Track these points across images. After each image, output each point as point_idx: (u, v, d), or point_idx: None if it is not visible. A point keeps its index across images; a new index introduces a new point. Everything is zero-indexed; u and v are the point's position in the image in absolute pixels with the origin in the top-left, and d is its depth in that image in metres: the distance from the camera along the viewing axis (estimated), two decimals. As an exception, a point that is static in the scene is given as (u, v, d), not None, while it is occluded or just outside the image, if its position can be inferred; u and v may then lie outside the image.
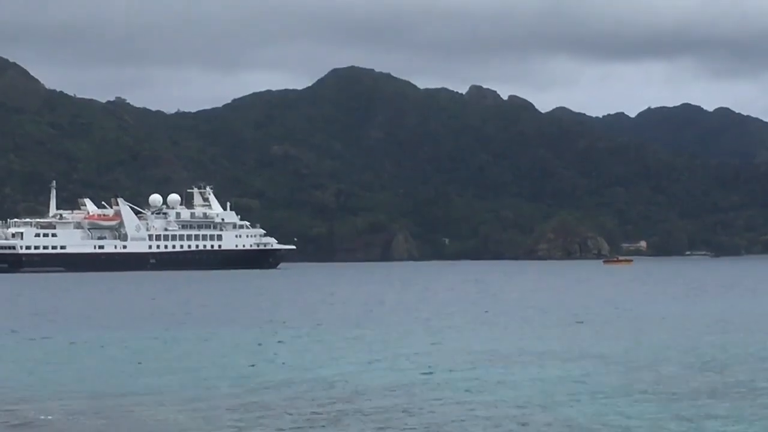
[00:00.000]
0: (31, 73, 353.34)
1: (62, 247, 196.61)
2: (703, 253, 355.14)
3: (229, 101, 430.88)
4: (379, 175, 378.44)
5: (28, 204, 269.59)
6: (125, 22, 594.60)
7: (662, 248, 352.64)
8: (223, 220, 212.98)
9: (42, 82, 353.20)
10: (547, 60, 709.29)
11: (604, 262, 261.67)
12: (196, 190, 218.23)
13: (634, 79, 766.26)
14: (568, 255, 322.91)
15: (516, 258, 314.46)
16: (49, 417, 29.67)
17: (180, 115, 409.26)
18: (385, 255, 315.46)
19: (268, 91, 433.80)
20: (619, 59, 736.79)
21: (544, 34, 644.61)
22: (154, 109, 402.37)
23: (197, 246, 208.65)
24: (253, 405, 31.23)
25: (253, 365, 40.76)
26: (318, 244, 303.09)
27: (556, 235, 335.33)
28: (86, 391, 34.52)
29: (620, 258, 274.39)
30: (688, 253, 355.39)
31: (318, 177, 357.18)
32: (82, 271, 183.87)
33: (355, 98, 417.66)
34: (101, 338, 53.39)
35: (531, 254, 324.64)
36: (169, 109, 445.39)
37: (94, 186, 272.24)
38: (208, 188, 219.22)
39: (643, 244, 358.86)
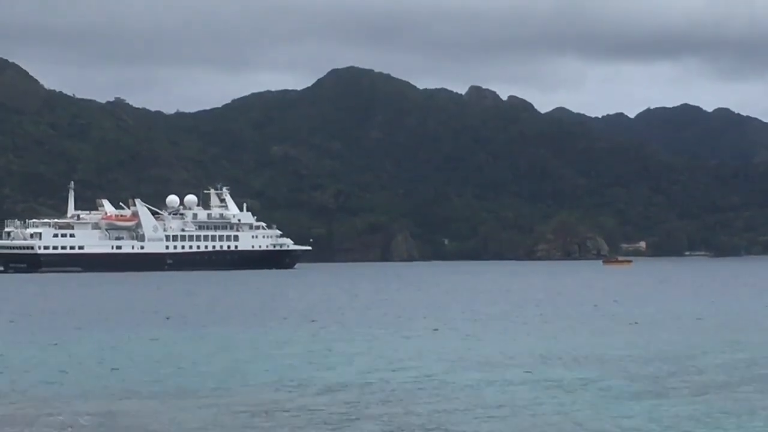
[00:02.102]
0: (31, 74, 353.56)
1: (80, 248, 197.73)
2: (703, 253, 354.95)
3: (229, 101, 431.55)
4: (378, 176, 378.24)
5: (27, 204, 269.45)
6: (124, 23, 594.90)
7: (662, 249, 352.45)
8: (239, 220, 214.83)
9: (41, 82, 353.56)
10: (551, 61, 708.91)
11: (604, 262, 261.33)
12: (212, 191, 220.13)
13: (640, 80, 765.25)
14: (567, 255, 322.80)
15: (516, 258, 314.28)
16: (79, 419, 29.67)
17: (179, 116, 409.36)
18: (385, 255, 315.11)
19: (268, 92, 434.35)
20: (625, 60, 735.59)
21: (547, 35, 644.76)
22: (153, 109, 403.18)
23: (214, 246, 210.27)
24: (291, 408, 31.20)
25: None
26: (317, 245, 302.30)
27: (556, 236, 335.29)
28: (106, 392, 34.56)
29: (620, 258, 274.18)
30: (687, 253, 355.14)
31: (317, 177, 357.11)
32: (99, 272, 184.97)
33: (354, 99, 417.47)
34: (131, 337, 53.60)
35: (530, 255, 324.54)
36: (169, 109, 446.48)
37: (93, 186, 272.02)
38: (224, 189, 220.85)
39: (642, 244, 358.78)
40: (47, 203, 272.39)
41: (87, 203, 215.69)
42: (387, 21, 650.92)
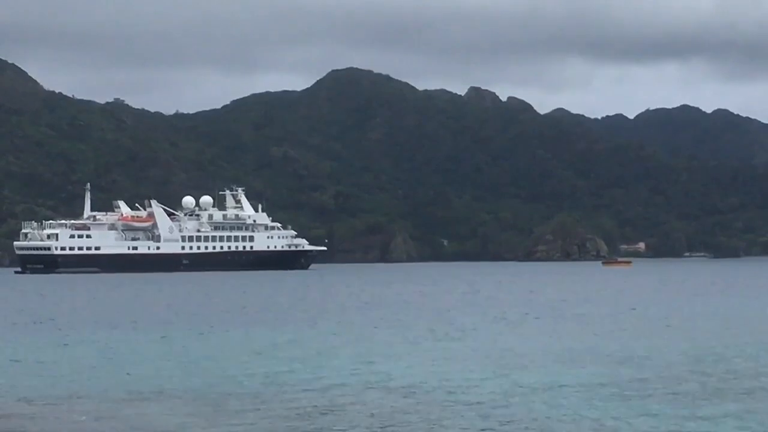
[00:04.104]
0: (30, 75, 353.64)
1: (97, 248, 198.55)
2: (702, 254, 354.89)
3: (228, 102, 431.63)
4: (377, 177, 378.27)
5: (27, 206, 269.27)
6: (123, 25, 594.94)
7: (661, 250, 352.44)
8: (254, 221, 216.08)
9: (40, 83, 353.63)
10: (558, 62, 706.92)
11: (604, 263, 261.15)
12: (228, 192, 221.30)
13: (645, 82, 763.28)
14: (567, 256, 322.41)
15: (515, 260, 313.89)
16: (83, 418, 29.57)
17: (179, 117, 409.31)
18: (384, 256, 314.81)
19: (267, 93, 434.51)
20: (632, 62, 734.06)
21: (554, 37, 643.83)
22: (152, 110, 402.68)
23: (229, 247, 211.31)
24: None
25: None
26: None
27: (555, 237, 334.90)
28: (121, 391, 34.44)
29: (619, 259, 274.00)
30: (686, 254, 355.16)
31: (317, 178, 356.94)
32: (116, 272, 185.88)
33: (354, 100, 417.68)
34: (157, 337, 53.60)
35: (530, 256, 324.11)
36: (168, 110, 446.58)
37: (92, 187, 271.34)
38: (239, 190, 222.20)
39: (641, 245, 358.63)
40: (46, 204, 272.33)
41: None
42: (387, 23, 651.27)
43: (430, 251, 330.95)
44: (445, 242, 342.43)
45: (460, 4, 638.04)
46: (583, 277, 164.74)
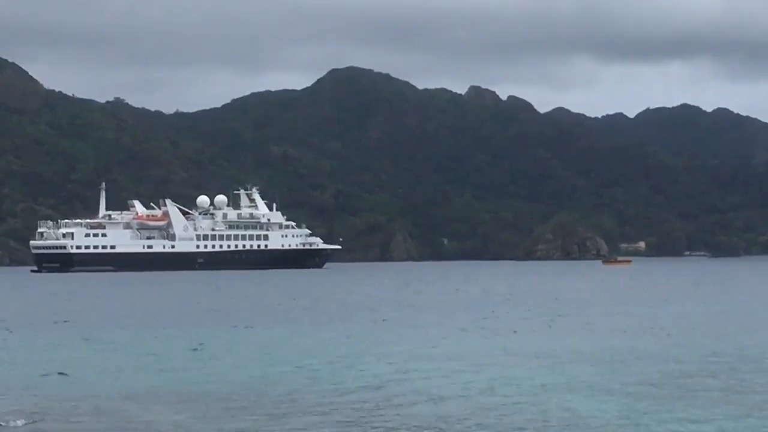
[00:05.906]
0: (30, 73, 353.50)
1: (112, 247, 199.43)
2: (702, 253, 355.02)
3: (229, 101, 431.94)
4: (377, 176, 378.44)
5: (27, 204, 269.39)
6: (123, 23, 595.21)
7: (661, 249, 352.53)
8: (269, 220, 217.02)
9: (41, 82, 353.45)
10: (563, 62, 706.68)
11: (603, 262, 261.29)
12: (242, 192, 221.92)
13: (648, 82, 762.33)
14: (567, 255, 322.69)
15: (515, 258, 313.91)
16: (84, 419, 29.53)
17: (179, 116, 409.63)
18: (384, 255, 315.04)
19: (267, 92, 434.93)
20: (634, 61, 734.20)
21: (558, 37, 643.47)
22: (152, 109, 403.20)
23: (244, 246, 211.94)
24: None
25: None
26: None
27: (555, 236, 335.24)
28: (129, 389, 34.35)
29: (619, 258, 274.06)
30: (686, 253, 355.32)
31: (317, 177, 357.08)
32: (131, 271, 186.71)
33: (354, 99, 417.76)
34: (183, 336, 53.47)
35: (530, 255, 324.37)
36: (168, 109, 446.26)
37: (93, 186, 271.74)
38: (254, 189, 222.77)
39: (641, 244, 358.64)
40: (47, 203, 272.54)
41: (87, 202, 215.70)
42: (387, 21, 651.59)
43: (430, 250, 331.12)
44: (445, 241, 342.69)
45: (461, 3, 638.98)
46: (583, 275, 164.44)
